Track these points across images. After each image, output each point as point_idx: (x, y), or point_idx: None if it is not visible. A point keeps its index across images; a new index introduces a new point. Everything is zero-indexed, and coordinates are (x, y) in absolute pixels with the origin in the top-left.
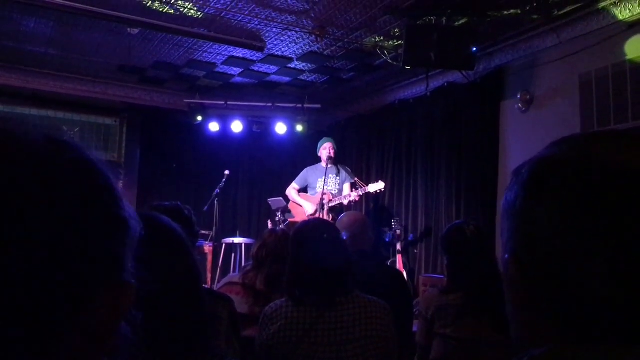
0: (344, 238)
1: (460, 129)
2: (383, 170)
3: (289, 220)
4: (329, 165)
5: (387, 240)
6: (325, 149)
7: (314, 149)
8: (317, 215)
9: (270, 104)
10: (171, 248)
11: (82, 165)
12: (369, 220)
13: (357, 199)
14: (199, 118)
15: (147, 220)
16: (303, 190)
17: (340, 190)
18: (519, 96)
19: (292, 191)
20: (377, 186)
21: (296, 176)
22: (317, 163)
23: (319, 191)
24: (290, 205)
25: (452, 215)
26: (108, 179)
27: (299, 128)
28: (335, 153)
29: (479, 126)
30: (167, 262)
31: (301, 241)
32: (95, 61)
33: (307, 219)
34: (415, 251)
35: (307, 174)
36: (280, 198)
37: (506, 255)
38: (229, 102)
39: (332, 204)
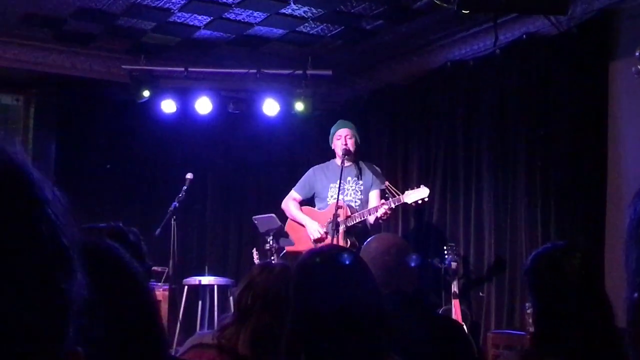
0: (373, 275)
1: (547, 103)
2: (428, 170)
3: (286, 249)
4: (346, 164)
5: (438, 277)
6: (340, 139)
7: (324, 139)
8: (328, 240)
9: (254, 71)
10: (123, 290)
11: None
12: (410, 247)
13: (387, 215)
14: (146, 93)
15: (87, 251)
16: (308, 202)
17: (365, 202)
18: (637, 54)
19: (290, 204)
20: (417, 194)
21: (296, 180)
22: (328, 160)
23: (332, 203)
24: (288, 226)
25: (537, 237)
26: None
27: (299, 107)
28: (356, 144)
29: (575, 99)
30: (117, 309)
31: (307, 282)
32: None
33: (313, 247)
34: (481, 294)
35: (313, 177)
36: (272, 215)
37: (635, 295)
38: (191, 69)
39: (350, 223)
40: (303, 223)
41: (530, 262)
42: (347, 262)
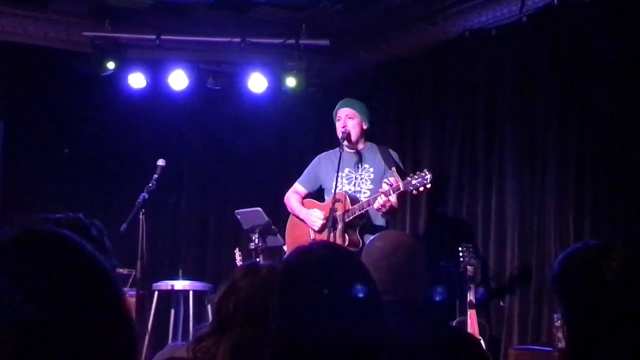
0: (375, 281)
1: (583, 81)
2: (442, 157)
3: (286, 248)
4: (348, 149)
5: (452, 284)
6: (340, 120)
7: (320, 121)
8: (324, 236)
9: (238, 40)
10: (88, 285)
11: None
12: (421, 246)
13: (388, 207)
14: (111, 65)
15: (44, 241)
16: (316, 195)
17: (377, 191)
18: None
19: (292, 197)
20: (417, 181)
21: (286, 169)
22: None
23: (336, 194)
24: (289, 224)
25: (569, 237)
26: None
27: (291, 83)
28: (361, 126)
29: (618, 77)
30: (80, 312)
31: (292, 289)
32: None
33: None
34: (502, 304)
35: (318, 166)
36: (258, 209)
37: None
38: (163, 37)
39: (349, 218)
40: (300, 216)
41: (558, 265)
42: (343, 266)
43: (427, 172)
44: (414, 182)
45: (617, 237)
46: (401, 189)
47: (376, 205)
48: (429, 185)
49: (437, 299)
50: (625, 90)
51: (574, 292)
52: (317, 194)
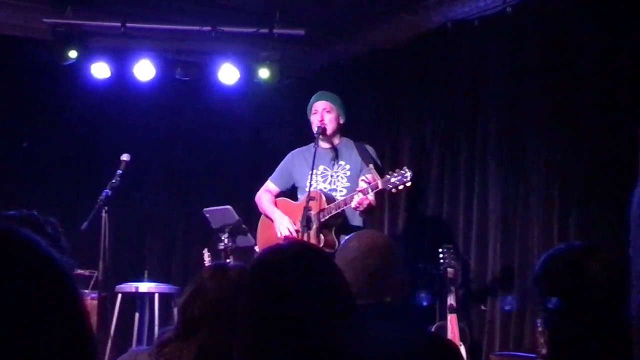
0: (349, 283)
1: (570, 75)
2: (422, 153)
3: (257, 249)
4: (323, 145)
5: (431, 287)
6: (316, 113)
7: (295, 114)
8: (299, 236)
9: (208, 28)
10: (42, 286)
11: None
12: (398, 248)
13: (365, 206)
14: (73, 54)
15: None
16: (289, 194)
17: (355, 189)
18: None
19: (263, 196)
20: (396, 179)
21: (259, 164)
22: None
23: (310, 193)
24: (261, 225)
25: (552, 238)
26: None
27: (264, 74)
28: (337, 121)
29: (606, 70)
30: (33, 312)
31: (262, 290)
32: None
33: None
34: (483, 308)
35: (291, 163)
36: (228, 207)
37: None
38: (129, 25)
39: (324, 217)
40: (272, 217)
41: (541, 266)
42: (314, 267)
43: (407, 170)
44: (393, 180)
45: (602, 238)
46: (380, 187)
47: (353, 204)
48: (409, 184)
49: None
50: (614, 83)
51: (556, 294)
52: (290, 193)
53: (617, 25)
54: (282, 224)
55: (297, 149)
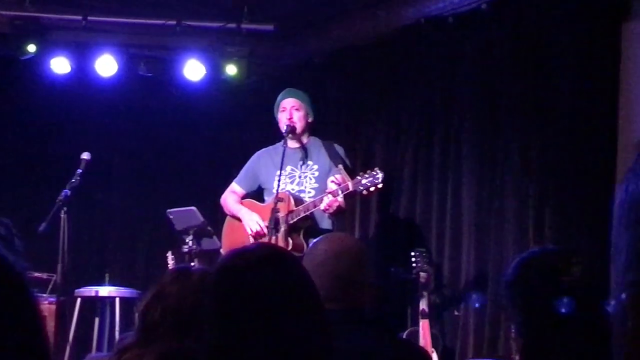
0: (318, 287)
1: (545, 73)
2: (395, 154)
3: (222, 252)
4: (292, 145)
5: (403, 292)
6: (284, 111)
7: (264, 113)
8: (267, 240)
9: (173, 23)
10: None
11: None
12: (368, 251)
13: (335, 208)
14: (32, 48)
15: None
16: (255, 196)
17: (323, 190)
18: None
19: (229, 198)
20: (367, 180)
21: (226, 164)
22: (279, 141)
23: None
24: (227, 226)
25: (528, 242)
26: None
27: (231, 71)
28: (306, 119)
29: (580, 69)
30: None
31: (226, 295)
32: None
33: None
34: (457, 313)
35: (257, 164)
36: (192, 209)
37: (623, 296)
38: (90, 18)
39: (293, 219)
40: (239, 215)
41: (513, 270)
42: (283, 270)
43: (378, 171)
44: (364, 181)
45: (578, 243)
46: (350, 189)
47: (322, 205)
48: (380, 185)
49: (476, 305)
50: (590, 80)
51: (529, 301)
52: (256, 195)
53: (592, 21)
54: (251, 219)
55: (264, 149)
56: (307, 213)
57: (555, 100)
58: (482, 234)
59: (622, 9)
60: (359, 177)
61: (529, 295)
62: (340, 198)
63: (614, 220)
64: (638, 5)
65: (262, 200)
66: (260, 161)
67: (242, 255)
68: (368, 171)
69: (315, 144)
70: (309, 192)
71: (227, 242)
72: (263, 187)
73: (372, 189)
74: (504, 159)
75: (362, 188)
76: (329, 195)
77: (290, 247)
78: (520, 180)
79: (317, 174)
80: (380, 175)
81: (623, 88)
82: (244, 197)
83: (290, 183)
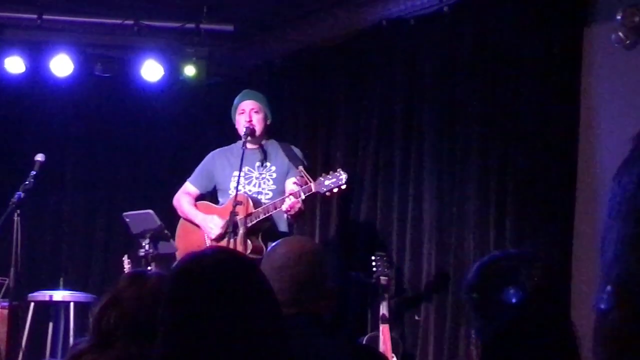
0: (276, 291)
1: (506, 76)
2: (356, 156)
3: (178, 254)
4: (251, 146)
5: (363, 296)
6: (243, 113)
7: (224, 115)
8: (225, 243)
9: (130, 22)
10: None
11: None
12: (327, 255)
13: (297, 210)
14: None
15: None
16: (209, 197)
17: (281, 193)
18: (618, 17)
19: (182, 199)
20: (330, 182)
21: (186, 168)
22: (234, 142)
23: (233, 196)
24: (180, 229)
25: (489, 245)
26: None
27: (190, 72)
28: (265, 121)
29: (541, 72)
30: None
31: (182, 299)
32: None
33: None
34: (417, 318)
35: (212, 164)
36: (149, 212)
37: (609, 288)
38: (46, 17)
39: (252, 222)
40: (196, 221)
41: (473, 274)
42: (240, 274)
43: (341, 172)
44: (327, 182)
45: (540, 246)
46: (313, 190)
47: (284, 207)
48: (344, 187)
49: (513, 300)
50: (551, 83)
51: (488, 306)
52: (210, 196)
53: (554, 23)
54: (212, 222)
55: (218, 149)
56: (267, 215)
57: (516, 104)
58: (443, 238)
59: (584, 13)
60: (321, 179)
61: (489, 299)
62: (302, 199)
63: (607, 212)
64: (600, 10)
65: (216, 201)
66: (216, 161)
67: (199, 259)
68: (331, 172)
69: (273, 146)
70: (267, 194)
71: (182, 245)
72: (218, 188)
73: (335, 190)
74: (464, 163)
75: (325, 189)
76: (291, 197)
77: (249, 250)
78: (481, 183)
79: (275, 175)
80: (344, 177)
81: (584, 91)
82: (197, 198)
83: (248, 184)
